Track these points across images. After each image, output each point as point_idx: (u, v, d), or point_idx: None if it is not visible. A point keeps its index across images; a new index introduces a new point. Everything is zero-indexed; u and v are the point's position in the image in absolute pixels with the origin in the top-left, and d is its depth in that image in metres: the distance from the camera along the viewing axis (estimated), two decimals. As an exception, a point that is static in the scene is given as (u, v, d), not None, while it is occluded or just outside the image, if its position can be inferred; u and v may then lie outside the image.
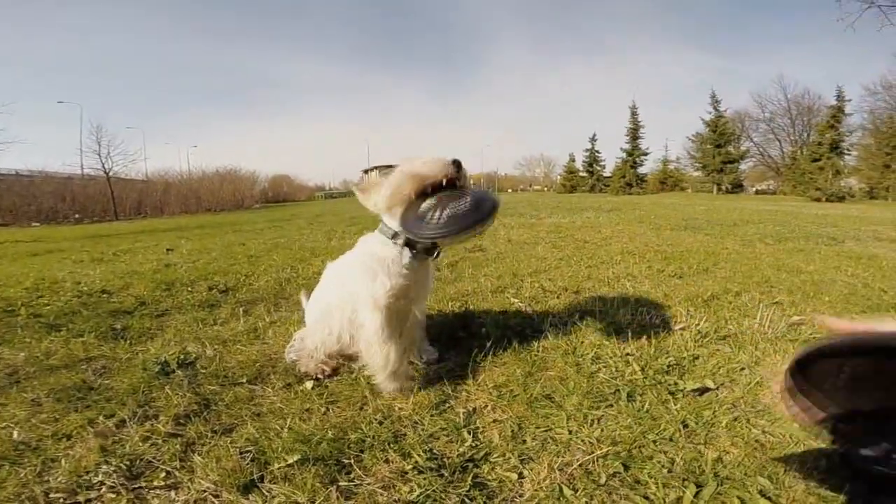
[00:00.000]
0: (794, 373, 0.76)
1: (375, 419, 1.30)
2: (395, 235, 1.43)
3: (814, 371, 0.74)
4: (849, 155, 27.75)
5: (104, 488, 1.02)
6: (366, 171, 1.47)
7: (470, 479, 1.04)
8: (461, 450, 1.15)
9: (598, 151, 39.50)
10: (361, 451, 1.15)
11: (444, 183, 1.30)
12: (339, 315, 1.56)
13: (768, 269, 3.19)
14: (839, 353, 0.71)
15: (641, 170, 36.12)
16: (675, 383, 1.46)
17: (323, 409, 1.37)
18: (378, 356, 1.41)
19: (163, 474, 1.07)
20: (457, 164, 1.31)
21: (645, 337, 1.83)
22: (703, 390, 1.42)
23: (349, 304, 1.52)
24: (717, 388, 1.43)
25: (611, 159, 41.55)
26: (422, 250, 1.45)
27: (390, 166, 1.42)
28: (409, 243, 1.42)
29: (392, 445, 1.17)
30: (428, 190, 1.31)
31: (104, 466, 1.08)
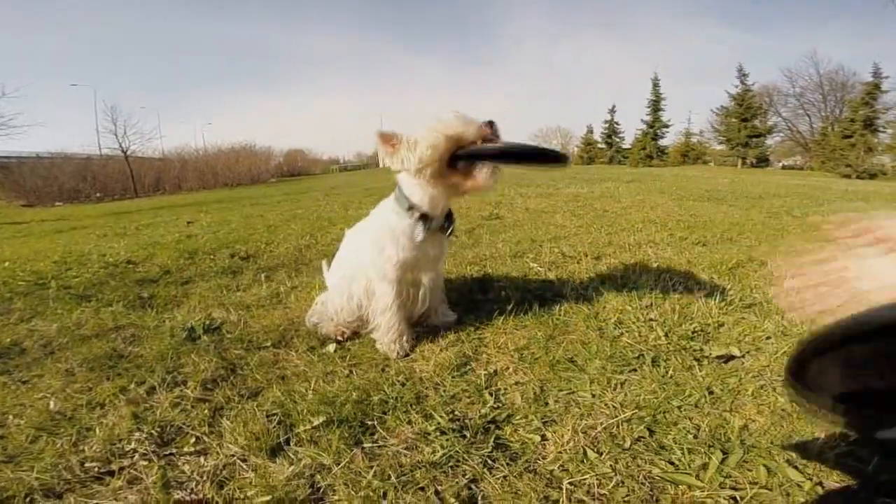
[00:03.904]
0: (792, 383, 0.69)
1: (397, 381, 1.32)
2: (410, 207, 1.41)
3: (810, 375, 0.67)
4: (883, 132, 26.52)
5: (136, 456, 1.05)
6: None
7: (492, 440, 1.04)
8: (483, 411, 1.16)
9: (617, 123, 38.48)
10: (384, 413, 1.17)
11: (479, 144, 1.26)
12: (357, 284, 1.58)
13: (796, 241, 3.10)
14: (831, 347, 0.64)
15: (662, 142, 35.17)
16: (700, 350, 1.44)
17: (346, 372, 1.39)
18: (385, 324, 1.47)
19: (192, 440, 1.09)
20: (490, 124, 1.25)
21: (668, 303, 1.81)
22: (729, 357, 1.40)
23: (364, 273, 1.55)
24: (743, 356, 1.40)
25: (630, 131, 40.62)
26: (436, 226, 1.43)
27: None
28: (423, 216, 1.41)
29: (414, 407, 1.19)
30: (461, 152, 1.26)
31: (136, 434, 1.11)
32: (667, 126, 34.93)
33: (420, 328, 1.65)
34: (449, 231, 1.49)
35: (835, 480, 0.90)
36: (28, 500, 0.92)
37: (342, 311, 1.59)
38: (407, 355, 1.48)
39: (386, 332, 1.48)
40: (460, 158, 1.26)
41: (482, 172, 1.27)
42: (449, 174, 1.30)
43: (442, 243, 1.53)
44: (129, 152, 22.67)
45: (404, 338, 1.49)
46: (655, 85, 34.83)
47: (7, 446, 1.10)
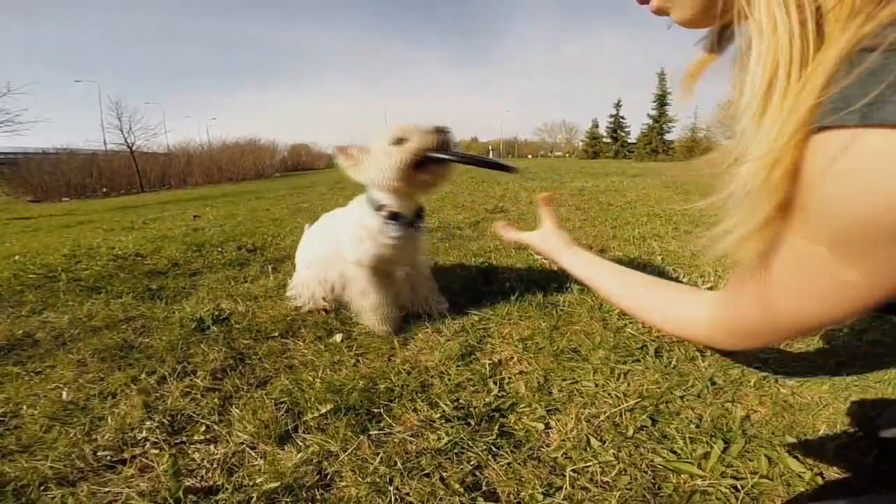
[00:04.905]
0: None
1: (403, 369, 1.34)
2: (379, 207, 1.48)
3: None
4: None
5: (148, 444, 1.06)
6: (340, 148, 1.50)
7: (496, 428, 1.06)
8: (487, 400, 1.17)
9: (622, 118, 38.37)
10: (390, 401, 1.18)
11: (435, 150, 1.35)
12: (334, 269, 1.66)
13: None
14: None
15: (668, 137, 34.88)
16: (703, 340, 1.44)
17: (352, 361, 1.41)
18: (367, 302, 1.55)
19: (202, 428, 1.11)
20: (443, 131, 1.34)
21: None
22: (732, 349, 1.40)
23: (341, 259, 1.63)
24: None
25: (636, 126, 40.42)
26: (406, 222, 1.50)
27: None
28: (393, 216, 1.47)
29: (420, 395, 1.20)
30: (421, 160, 1.35)
31: (147, 423, 1.12)
32: (673, 121, 34.63)
33: (423, 319, 1.67)
34: (418, 226, 1.56)
35: (835, 471, 0.91)
36: (42, 488, 0.94)
37: (318, 292, 1.72)
38: (394, 334, 1.56)
39: (370, 313, 1.56)
40: (420, 164, 1.35)
41: (437, 170, 1.38)
42: (409, 178, 1.38)
43: (415, 238, 1.59)
44: (134, 147, 22.78)
45: (389, 312, 1.57)
46: (661, 79, 34.54)
47: (21, 436, 1.11)
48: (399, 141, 1.36)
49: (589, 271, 0.89)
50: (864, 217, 0.38)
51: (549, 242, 1.04)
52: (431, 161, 1.34)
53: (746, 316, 0.56)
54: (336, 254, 1.65)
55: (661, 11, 0.59)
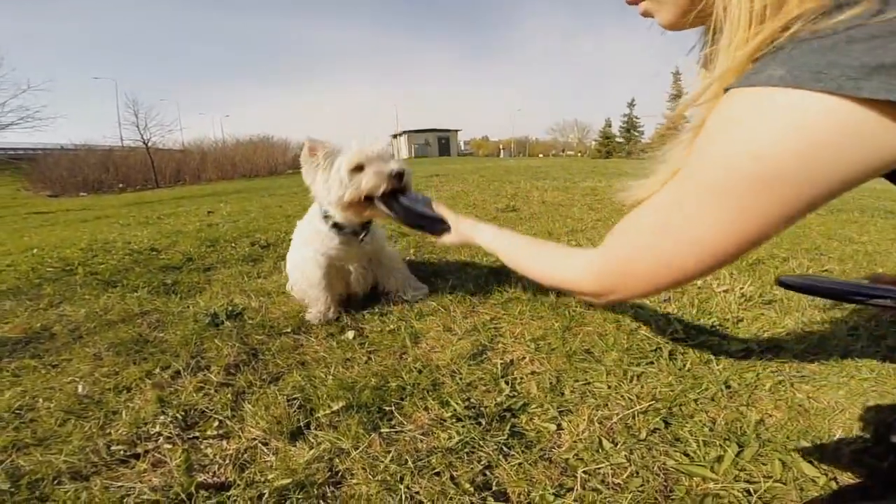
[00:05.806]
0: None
1: (415, 368, 1.34)
2: (326, 216, 1.64)
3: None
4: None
5: (161, 439, 1.07)
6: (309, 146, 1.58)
7: (507, 428, 1.06)
8: (499, 399, 1.17)
9: (636, 117, 38.05)
10: (402, 399, 1.19)
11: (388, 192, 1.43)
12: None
13: (818, 237, 3.03)
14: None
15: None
16: (718, 344, 1.43)
17: (364, 358, 1.41)
18: (314, 296, 1.70)
19: (215, 423, 1.12)
20: (399, 176, 1.42)
21: (686, 297, 1.79)
22: (747, 353, 1.38)
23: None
24: (762, 352, 1.39)
25: (650, 125, 40.18)
26: (349, 231, 1.65)
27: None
28: (336, 225, 1.63)
29: (431, 393, 1.20)
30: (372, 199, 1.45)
31: (161, 417, 1.14)
32: (688, 121, 34.25)
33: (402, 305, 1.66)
34: (362, 237, 1.69)
35: (849, 477, 0.90)
36: (56, 482, 0.95)
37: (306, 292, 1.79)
38: (329, 322, 1.68)
39: (314, 302, 1.70)
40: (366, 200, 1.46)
41: (382, 210, 1.44)
42: (353, 209, 1.52)
43: (360, 244, 1.70)
44: (150, 144, 23.05)
45: (330, 309, 1.70)
46: (676, 79, 34.11)
47: (37, 429, 1.13)
48: (358, 167, 1.45)
49: (493, 242, 0.99)
50: (733, 162, 0.44)
51: (463, 232, 1.14)
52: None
53: (617, 261, 0.60)
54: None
55: (647, 14, 0.63)
